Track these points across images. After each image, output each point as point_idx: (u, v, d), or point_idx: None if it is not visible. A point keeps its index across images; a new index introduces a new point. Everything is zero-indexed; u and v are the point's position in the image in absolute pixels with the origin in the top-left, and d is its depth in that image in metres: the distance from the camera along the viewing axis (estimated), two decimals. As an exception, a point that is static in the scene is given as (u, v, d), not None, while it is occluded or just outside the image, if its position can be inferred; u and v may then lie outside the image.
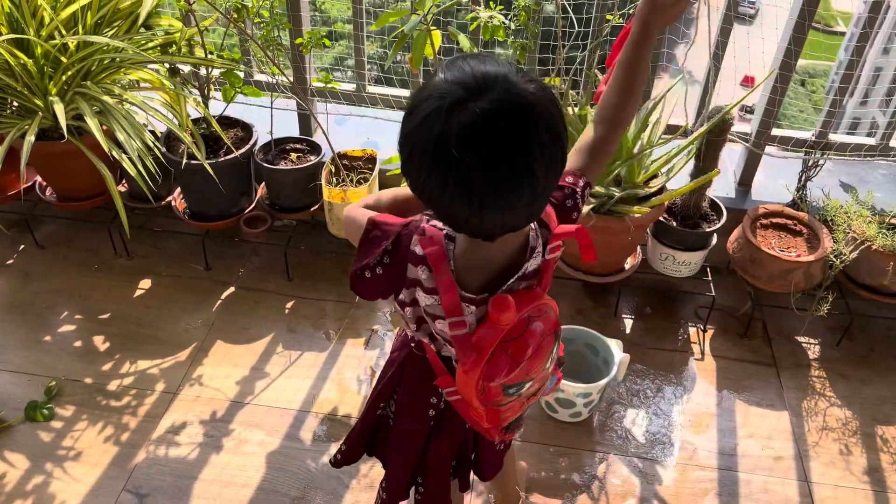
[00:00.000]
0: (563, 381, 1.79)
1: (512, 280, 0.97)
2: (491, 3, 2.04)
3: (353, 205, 1.09)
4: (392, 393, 1.23)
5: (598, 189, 1.96)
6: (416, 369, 1.16)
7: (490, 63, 0.83)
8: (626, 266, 2.18)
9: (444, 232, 0.96)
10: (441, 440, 1.21)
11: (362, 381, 2.00)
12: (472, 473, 1.36)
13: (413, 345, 1.15)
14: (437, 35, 1.88)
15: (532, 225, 0.97)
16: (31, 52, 1.97)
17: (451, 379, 1.08)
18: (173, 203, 2.28)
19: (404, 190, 1.09)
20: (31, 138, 1.83)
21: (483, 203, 0.83)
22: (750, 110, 2.53)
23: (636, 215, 1.93)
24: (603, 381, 1.81)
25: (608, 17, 2.08)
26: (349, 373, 2.02)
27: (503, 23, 1.98)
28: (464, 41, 1.89)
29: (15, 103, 2.07)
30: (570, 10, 2.06)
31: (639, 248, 2.21)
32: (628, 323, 2.24)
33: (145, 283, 2.27)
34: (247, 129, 2.26)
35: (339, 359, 2.06)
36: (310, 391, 1.97)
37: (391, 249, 0.97)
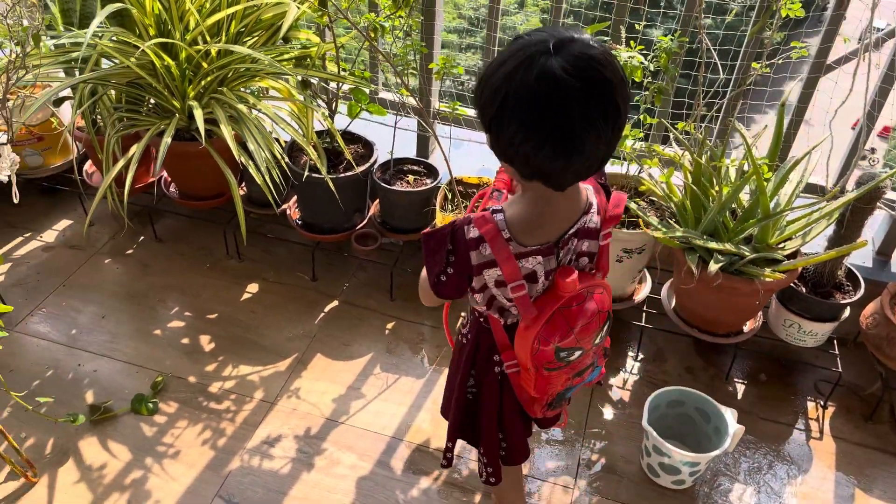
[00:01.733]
0: (669, 446, 1.70)
1: (573, 230, 1.08)
2: (631, 42, 1.96)
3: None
4: (471, 370, 1.32)
5: (727, 247, 1.84)
6: (486, 341, 1.27)
7: (558, 28, 0.94)
8: (746, 328, 2.06)
9: (491, 209, 1.07)
10: (509, 393, 1.31)
11: (457, 414, 1.96)
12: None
13: (482, 320, 1.25)
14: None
15: (588, 187, 1.12)
16: (175, 54, 2.03)
17: (513, 353, 1.20)
18: (288, 212, 2.31)
19: None
20: (167, 139, 1.88)
21: (575, 138, 0.91)
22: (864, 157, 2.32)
23: (768, 279, 1.81)
24: (714, 453, 1.69)
25: (754, 64, 1.97)
26: (444, 404, 1.98)
27: (642, 63, 1.91)
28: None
29: (151, 101, 2.14)
30: (714, 55, 1.96)
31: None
32: (740, 388, 2.11)
33: (252, 287, 2.31)
34: (368, 146, 2.27)
35: (435, 388, 2.03)
36: (404, 419, 1.94)
37: (451, 248, 1.08)
